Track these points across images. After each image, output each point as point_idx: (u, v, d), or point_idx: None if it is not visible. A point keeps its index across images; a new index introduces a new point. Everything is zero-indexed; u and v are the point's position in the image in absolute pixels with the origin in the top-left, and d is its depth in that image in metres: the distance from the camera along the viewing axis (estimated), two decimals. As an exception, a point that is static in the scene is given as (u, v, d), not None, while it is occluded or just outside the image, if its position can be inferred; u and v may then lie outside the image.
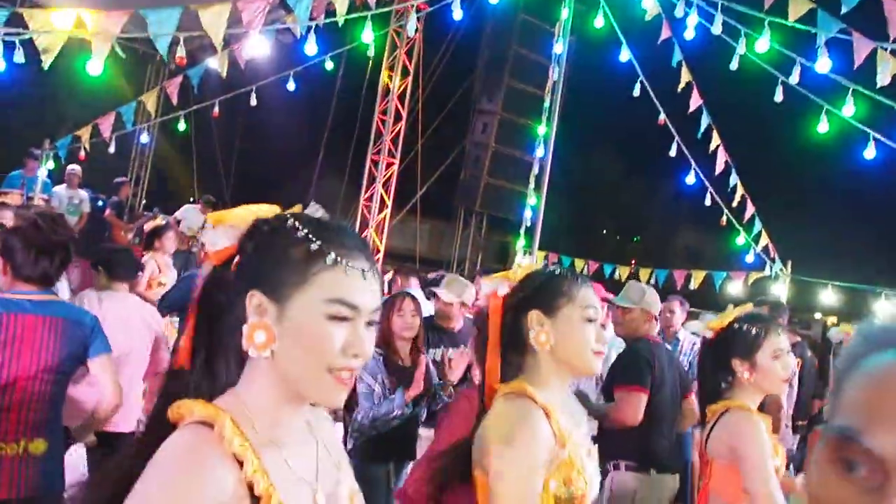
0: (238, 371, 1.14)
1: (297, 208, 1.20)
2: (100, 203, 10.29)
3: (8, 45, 6.22)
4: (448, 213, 14.86)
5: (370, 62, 9.74)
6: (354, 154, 11.94)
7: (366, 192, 10.79)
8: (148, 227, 7.40)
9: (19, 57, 6.24)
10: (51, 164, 9.39)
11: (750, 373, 2.43)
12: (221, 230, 1.16)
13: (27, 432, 2.59)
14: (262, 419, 1.10)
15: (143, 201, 13.43)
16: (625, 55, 9.50)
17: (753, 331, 2.47)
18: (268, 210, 1.18)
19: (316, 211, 1.20)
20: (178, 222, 10.10)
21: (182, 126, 9.50)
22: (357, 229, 10.78)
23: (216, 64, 7.69)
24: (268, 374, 1.11)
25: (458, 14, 8.02)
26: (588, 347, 1.77)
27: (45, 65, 6.18)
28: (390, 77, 10.69)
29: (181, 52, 6.94)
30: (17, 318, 2.60)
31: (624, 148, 19.25)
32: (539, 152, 10.16)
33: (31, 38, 6.14)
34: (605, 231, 23.37)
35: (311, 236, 1.10)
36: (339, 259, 1.09)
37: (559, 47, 10.01)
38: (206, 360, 1.13)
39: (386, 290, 7.23)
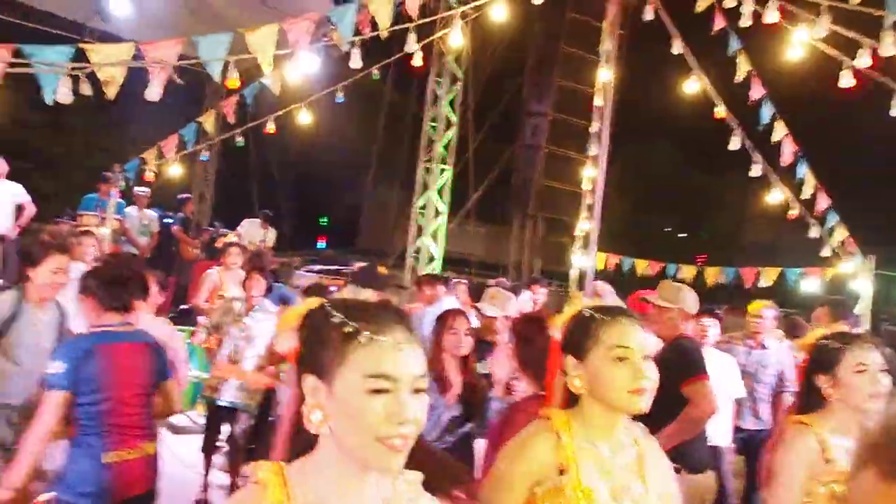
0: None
1: (344, 291, 1.36)
2: (168, 221, 10.72)
3: (74, 79, 6.58)
4: (503, 216, 14.82)
5: (419, 70, 9.84)
6: (407, 162, 12.07)
7: (419, 199, 10.89)
8: (219, 244, 7.71)
9: (85, 90, 6.60)
10: (122, 186, 9.84)
11: (833, 388, 2.37)
12: (286, 334, 1.33)
13: (143, 438, 3.15)
14: (317, 485, 1.25)
15: (209, 217, 13.90)
16: (677, 48, 9.33)
17: (835, 345, 2.40)
18: (315, 302, 1.32)
19: (359, 293, 1.33)
20: (240, 236, 10.44)
21: (240, 140, 9.82)
22: (412, 237, 10.89)
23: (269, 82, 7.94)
24: (330, 447, 1.24)
25: (501, 16, 8.04)
26: (621, 388, 1.78)
27: (109, 96, 6.52)
28: (439, 84, 10.75)
29: (233, 74, 7.20)
30: (115, 347, 3.11)
31: (684, 142, 18.74)
32: (593, 151, 10.08)
33: (94, 71, 6.49)
34: (667, 229, 22.60)
35: (345, 320, 1.23)
36: (372, 336, 1.21)
37: (608, 43, 9.92)
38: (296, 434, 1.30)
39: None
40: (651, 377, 1.78)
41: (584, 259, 9.89)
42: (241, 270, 7.14)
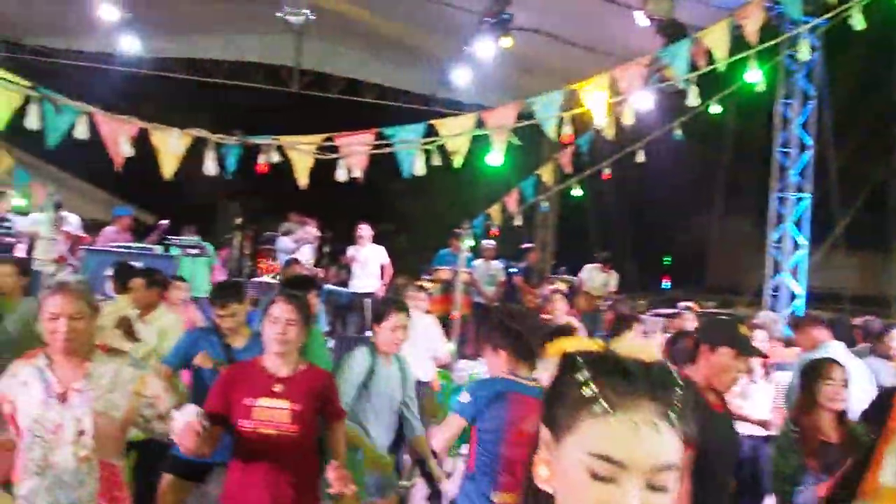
0: None
1: (623, 338, 1.15)
2: (512, 271, 11.20)
3: (426, 152, 7.23)
4: (881, 243, 12.90)
5: (764, 94, 9.07)
6: (757, 194, 11.15)
7: (774, 232, 9.93)
8: (547, 291, 7.88)
9: (436, 161, 7.21)
10: (470, 241, 10.59)
11: None
12: (552, 361, 1.15)
13: (517, 488, 3.19)
14: None
15: (551, 265, 14.30)
16: None
17: None
18: (581, 344, 1.13)
19: (641, 349, 1.08)
20: (583, 283, 10.51)
21: (577, 191, 9.94)
22: (768, 274, 9.97)
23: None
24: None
25: (859, 24, 7.12)
26: None
27: (457, 165, 7.05)
28: (787, 105, 9.78)
29: (567, 129, 7.31)
30: (523, 399, 3.23)
31: None
32: None
33: (443, 143, 7.07)
34: None
35: (588, 380, 1.02)
36: (609, 409, 0.99)
37: None
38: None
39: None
40: None
41: None
42: (569, 317, 7.15)
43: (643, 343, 1.13)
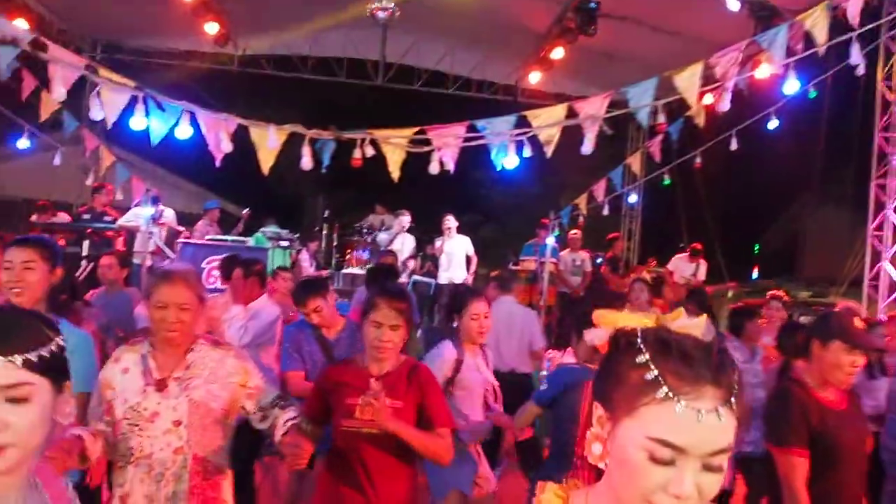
0: None
1: (674, 314, 1.09)
2: (598, 260, 11.18)
3: (517, 143, 7.31)
4: None
5: (862, 79, 8.73)
6: (856, 181, 10.74)
7: (874, 220, 9.56)
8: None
9: (527, 152, 7.29)
10: (557, 232, 10.61)
11: None
12: (601, 331, 1.15)
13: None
14: None
15: (638, 254, 14.17)
16: None
17: None
18: (639, 320, 1.10)
19: (695, 326, 1.07)
20: (671, 273, 10.42)
21: (667, 179, 9.83)
22: (868, 264, 9.63)
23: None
24: (609, 480, 1.09)
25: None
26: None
27: (548, 154, 7.10)
28: (889, 88, 9.39)
29: (661, 118, 7.27)
30: None
31: None
32: None
33: (535, 134, 7.14)
34: None
35: (650, 363, 1.02)
36: (672, 394, 0.99)
37: None
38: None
39: None
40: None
41: None
42: (651, 307, 7.08)
43: (695, 320, 1.13)
